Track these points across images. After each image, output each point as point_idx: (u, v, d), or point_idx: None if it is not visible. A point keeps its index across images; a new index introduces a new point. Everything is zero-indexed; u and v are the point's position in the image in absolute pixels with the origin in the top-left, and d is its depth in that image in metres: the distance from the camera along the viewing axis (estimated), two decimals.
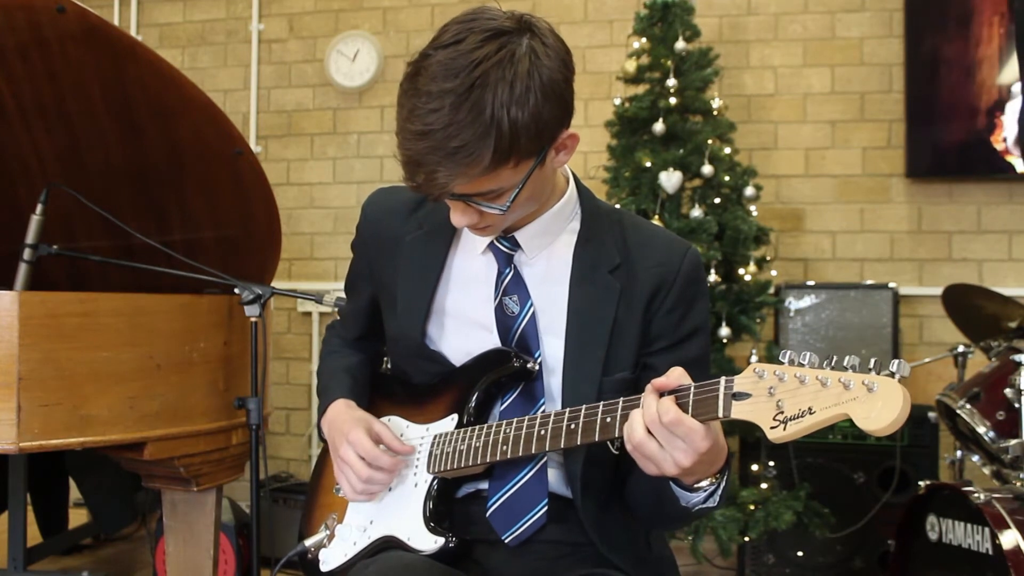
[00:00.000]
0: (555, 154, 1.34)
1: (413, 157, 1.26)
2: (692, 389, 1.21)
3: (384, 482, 1.48)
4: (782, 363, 1.13)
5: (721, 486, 1.30)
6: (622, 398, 1.29)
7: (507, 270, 1.47)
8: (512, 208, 1.33)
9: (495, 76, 1.22)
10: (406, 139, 1.26)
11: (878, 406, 1.04)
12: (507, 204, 1.32)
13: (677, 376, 1.23)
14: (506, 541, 1.42)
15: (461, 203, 1.34)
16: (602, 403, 1.30)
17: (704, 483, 1.28)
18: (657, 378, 1.24)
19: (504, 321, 1.46)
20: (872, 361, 1.07)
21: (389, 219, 1.56)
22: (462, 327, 1.50)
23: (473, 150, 1.22)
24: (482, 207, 1.33)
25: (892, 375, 1.05)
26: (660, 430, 1.19)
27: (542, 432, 1.34)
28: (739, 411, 1.15)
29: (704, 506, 1.32)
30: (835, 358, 1.10)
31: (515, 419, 1.38)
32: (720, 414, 1.17)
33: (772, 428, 1.11)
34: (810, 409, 1.08)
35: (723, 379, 1.18)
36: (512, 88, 1.22)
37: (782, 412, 1.10)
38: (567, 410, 1.34)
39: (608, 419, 1.28)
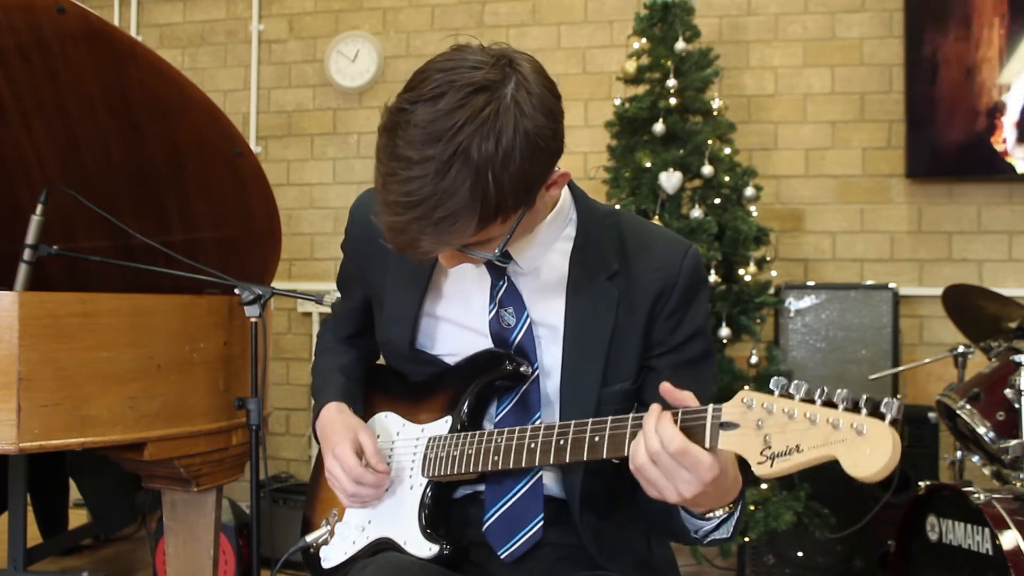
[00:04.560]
0: (545, 192, 1.30)
1: (395, 226, 1.21)
2: (680, 415, 1.17)
3: (372, 495, 1.47)
4: (772, 392, 1.10)
5: (734, 516, 1.26)
6: (610, 417, 1.26)
7: (500, 282, 1.44)
8: (503, 250, 1.31)
9: (479, 138, 1.15)
10: (387, 208, 1.21)
11: (866, 452, 1.01)
12: (497, 252, 1.30)
13: (682, 398, 1.19)
14: (502, 557, 1.41)
15: (449, 249, 1.30)
16: (591, 420, 1.27)
17: (716, 512, 1.24)
18: (661, 397, 1.20)
19: (500, 332, 1.44)
20: (864, 397, 1.04)
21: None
22: (458, 332, 1.49)
23: (459, 218, 1.18)
24: (472, 254, 1.31)
25: (883, 416, 1.01)
26: (665, 458, 1.15)
27: (532, 445, 1.32)
28: (726, 442, 1.12)
29: (715, 536, 1.28)
30: (826, 389, 1.06)
31: (507, 428, 1.37)
32: (707, 444, 1.14)
33: (759, 463, 1.08)
34: (798, 447, 1.05)
35: (711, 407, 1.14)
36: (497, 149, 1.15)
37: (769, 447, 1.08)
38: (557, 425, 1.31)
39: (596, 439, 1.25)
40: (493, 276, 1.45)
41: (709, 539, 1.29)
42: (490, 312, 1.45)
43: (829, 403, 1.06)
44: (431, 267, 1.49)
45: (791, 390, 1.09)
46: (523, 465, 1.34)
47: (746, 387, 1.16)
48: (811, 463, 1.06)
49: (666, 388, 1.21)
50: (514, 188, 1.19)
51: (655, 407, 1.19)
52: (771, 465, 1.07)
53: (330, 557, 1.53)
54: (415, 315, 1.49)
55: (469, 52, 1.22)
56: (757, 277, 3.34)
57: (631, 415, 1.24)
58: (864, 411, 1.03)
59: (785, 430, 1.07)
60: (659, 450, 1.15)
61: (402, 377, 1.57)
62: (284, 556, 1.63)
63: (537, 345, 1.43)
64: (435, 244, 1.22)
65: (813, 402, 1.07)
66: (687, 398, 1.20)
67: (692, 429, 1.15)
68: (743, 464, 1.20)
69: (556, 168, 1.29)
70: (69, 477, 3.47)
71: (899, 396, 3.47)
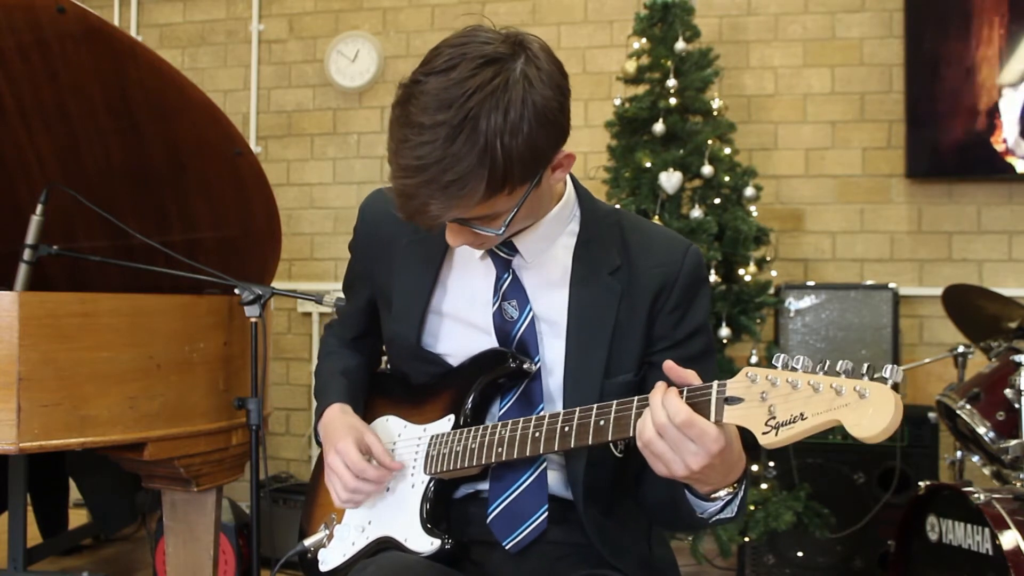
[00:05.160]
0: (551, 173, 1.33)
1: (405, 190, 1.24)
2: (685, 392, 1.19)
3: (370, 492, 1.48)
4: (775, 367, 1.12)
5: (739, 496, 1.27)
6: (616, 401, 1.27)
7: (505, 275, 1.46)
8: (508, 229, 1.33)
9: (488, 106, 1.19)
10: (398, 172, 1.24)
11: (869, 413, 1.02)
12: (502, 228, 1.31)
13: (686, 376, 1.21)
14: (507, 548, 1.41)
15: (456, 225, 1.33)
16: (596, 406, 1.29)
17: (721, 493, 1.25)
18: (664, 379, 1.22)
19: (503, 326, 1.45)
20: (865, 366, 1.06)
21: (386, 221, 1.54)
22: (461, 330, 1.50)
23: (467, 183, 1.21)
24: (477, 230, 1.32)
25: (884, 381, 1.03)
26: (671, 430, 1.17)
27: (536, 434, 1.33)
28: (731, 416, 1.14)
29: (721, 516, 1.29)
30: (828, 362, 1.09)
31: (510, 421, 1.38)
32: (712, 419, 1.16)
33: (764, 434, 1.10)
34: (802, 415, 1.07)
35: (715, 383, 1.17)
36: (506, 118, 1.20)
37: (774, 417, 1.09)
38: (561, 412, 1.33)
39: (602, 422, 1.27)
40: (498, 269, 1.47)
41: (715, 519, 1.31)
42: (494, 305, 1.46)
43: (832, 373, 1.08)
44: (438, 263, 1.51)
45: (794, 364, 1.11)
46: (528, 455, 1.35)
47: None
48: (815, 429, 1.07)
49: (669, 365, 1.22)
50: (521, 157, 1.22)
51: (660, 384, 1.21)
52: (776, 434, 1.09)
53: (328, 559, 1.53)
54: (422, 311, 1.51)
55: (481, 30, 1.27)
56: (757, 277, 3.35)
57: (636, 397, 1.26)
58: (866, 377, 1.05)
59: (789, 400, 1.09)
60: (665, 423, 1.17)
61: (404, 380, 1.58)
62: (282, 560, 1.63)
63: (539, 339, 1.44)
64: (444, 209, 1.24)
65: (816, 373, 1.09)
66: (690, 376, 1.21)
67: (698, 405, 1.17)
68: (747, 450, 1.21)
69: (562, 150, 1.31)
70: (69, 477, 3.47)
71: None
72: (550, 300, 1.45)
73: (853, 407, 1.04)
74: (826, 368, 1.08)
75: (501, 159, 1.21)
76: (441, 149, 1.19)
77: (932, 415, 3.27)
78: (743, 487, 1.27)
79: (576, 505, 1.43)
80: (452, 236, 1.36)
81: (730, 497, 1.26)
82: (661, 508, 1.41)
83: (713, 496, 1.26)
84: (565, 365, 1.42)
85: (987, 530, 2.28)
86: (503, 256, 1.45)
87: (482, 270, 1.48)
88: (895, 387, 1.04)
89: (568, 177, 1.47)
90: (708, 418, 1.16)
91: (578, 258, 1.45)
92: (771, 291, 3.41)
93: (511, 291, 1.45)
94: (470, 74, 1.20)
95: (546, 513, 1.41)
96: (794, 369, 1.10)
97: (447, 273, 1.52)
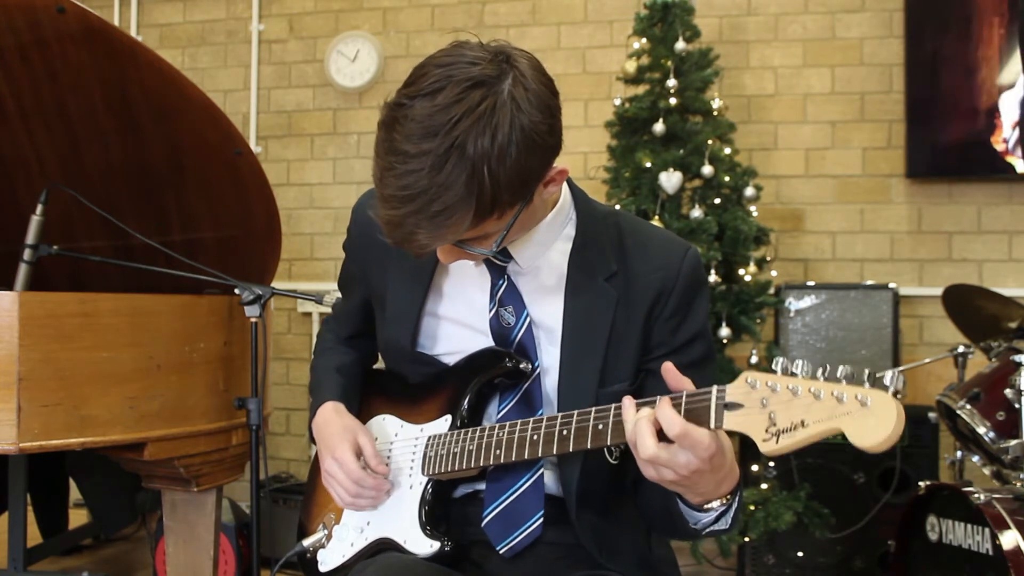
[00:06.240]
0: (543, 188, 1.30)
1: (392, 219, 1.22)
2: (684, 397, 1.18)
3: (373, 499, 1.47)
4: (775, 372, 1.11)
5: (732, 508, 1.27)
6: (614, 404, 1.26)
7: (500, 281, 1.44)
8: (500, 246, 1.31)
9: (475, 132, 1.16)
10: (384, 200, 1.22)
11: (871, 422, 1.01)
12: (494, 247, 1.30)
13: (682, 383, 1.20)
14: (501, 552, 1.41)
15: (447, 245, 1.31)
16: (594, 409, 1.28)
17: (713, 504, 1.25)
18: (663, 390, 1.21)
19: (500, 331, 1.44)
20: (866, 372, 1.05)
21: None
22: (458, 332, 1.49)
23: (455, 212, 1.19)
24: (469, 250, 1.31)
25: (886, 388, 1.02)
26: (662, 456, 1.16)
27: (535, 437, 1.32)
28: (731, 422, 1.13)
29: (715, 528, 1.29)
30: (828, 367, 1.07)
31: (508, 423, 1.37)
32: (712, 425, 1.14)
33: (764, 441, 1.09)
34: (803, 422, 1.06)
35: (715, 388, 1.15)
36: (493, 144, 1.17)
37: (774, 424, 1.08)
38: (559, 415, 1.32)
39: (600, 426, 1.26)
40: (493, 275, 1.45)
41: (708, 531, 1.30)
42: (490, 311, 1.45)
43: (832, 379, 1.07)
44: (432, 267, 1.50)
45: (794, 369, 1.10)
46: (525, 457, 1.34)
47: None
48: (817, 437, 1.06)
49: (668, 367, 1.21)
50: (510, 182, 1.20)
51: (659, 397, 1.20)
52: (776, 441, 1.08)
53: (327, 560, 1.53)
54: (417, 314, 1.50)
55: (468, 48, 1.23)
56: (757, 277, 3.35)
57: (636, 401, 1.24)
58: (867, 384, 1.04)
59: (790, 406, 1.07)
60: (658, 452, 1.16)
61: (401, 379, 1.57)
62: (281, 561, 1.63)
63: (537, 344, 1.43)
64: (432, 238, 1.23)
65: (816, 379, 1.08)
66: (687, 385, 1.20)
67: (697, 410, 1.16)
68: (742, 460, 1.21)
69: (554, 165, 1.29)
70: (69, 477, 3.47)
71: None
72: (546, 306, 1.43)
73: (855, 415, 1.03)
74: (827, 374, 1.07)
75: (489, 186, 1.18)
76: (427, 178, 1.17)
77: (932, 415, 3.27)
78: (736, 499, 1.27)
79: (569, 509, 1.42)
80: (444, 255, 1.34)
81: (723, 509, 1.26)
82: (656, 516, 1.41)
83: (706, 507, 1.25)
84: (560, 371, 1.41)
85: (987, 530, 2.29)
86: (497, 263, 1.44)
87: (477, 275, 1.47)
88: (897, 394, 1.02)
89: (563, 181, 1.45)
90: (708, 424, 1.14)
91: (574, 263, 1.43)
92: (771, 291, 3.42)
93: (507, 297, 1.44)
94: (456, 99, 1.17)
95: (542, 519, 1.40)
96: (794, 374, 1.09)
97: (442, 278, 1.51)
